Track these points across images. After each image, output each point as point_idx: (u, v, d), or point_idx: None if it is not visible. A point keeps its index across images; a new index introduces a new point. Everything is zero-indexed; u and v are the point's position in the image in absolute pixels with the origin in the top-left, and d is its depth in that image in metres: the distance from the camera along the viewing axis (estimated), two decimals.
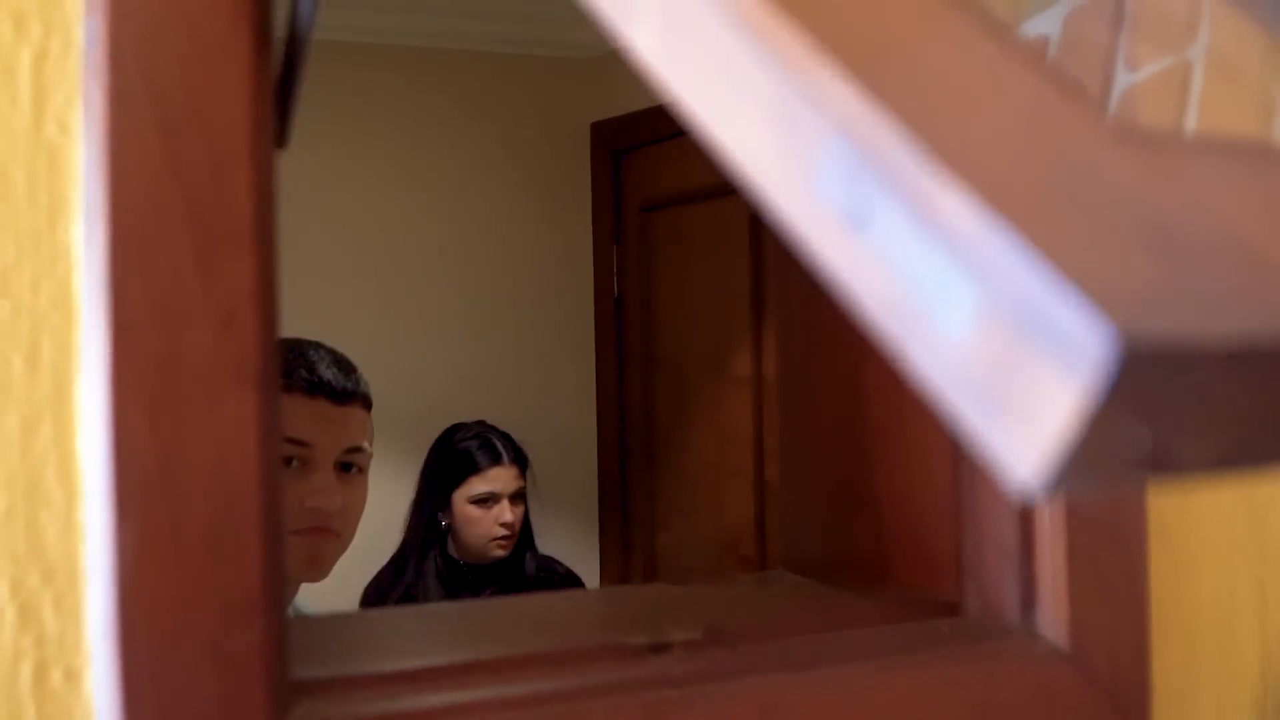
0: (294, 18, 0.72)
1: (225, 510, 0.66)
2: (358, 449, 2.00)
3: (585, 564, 4.54)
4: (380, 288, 4.54)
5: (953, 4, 0.43)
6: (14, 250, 0.66)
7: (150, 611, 0.65)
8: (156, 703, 0.64)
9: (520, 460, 3.53)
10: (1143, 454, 0.34)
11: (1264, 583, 1.05)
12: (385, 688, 0.74)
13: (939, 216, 0.34)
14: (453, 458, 3.50)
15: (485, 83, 4.72)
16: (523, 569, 3.52)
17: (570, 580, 3.64)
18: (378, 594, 3.43)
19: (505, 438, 3.54)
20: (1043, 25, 0.57)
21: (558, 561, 3.67)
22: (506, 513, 3.45)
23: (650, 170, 4.60)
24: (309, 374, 1.93)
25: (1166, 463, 0.35)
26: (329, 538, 1.95)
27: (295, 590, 2.01)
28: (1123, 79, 0.60)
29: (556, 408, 4.75)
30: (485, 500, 3.45)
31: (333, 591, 2.13)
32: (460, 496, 3.46)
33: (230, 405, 0.66)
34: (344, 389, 1.96)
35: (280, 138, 0.72)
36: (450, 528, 3.47)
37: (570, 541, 4.52)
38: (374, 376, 2.06)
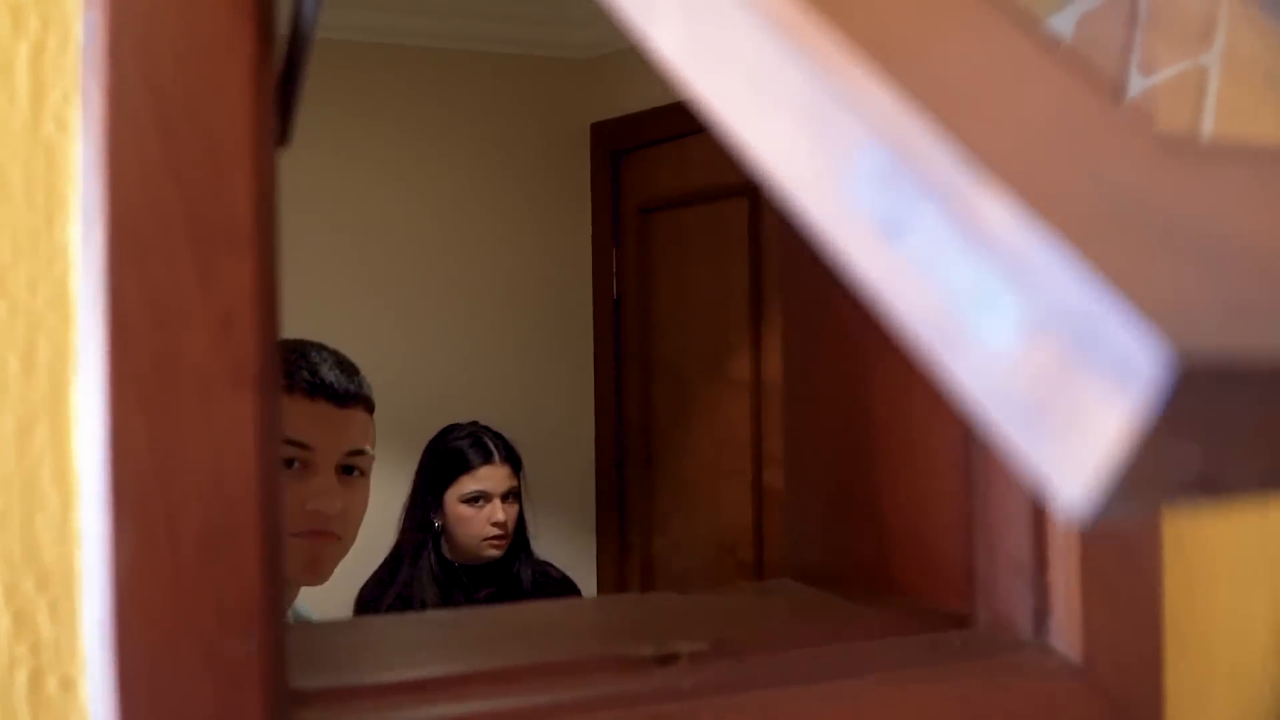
0: (297, 13, 0.71)
1: (223, 515, 0.65)
2: (359, 452, 1.98)
3: (582, 566, 4.53)
4: (379, 289, 4.53)
5: (987, 2, 0.41)
6: (10, 249, 0.65)
7: (147, 618, 0.63)
8: (153, 712, 0.63)
9: (513, 459, 3.52)
10: (1193, 475, 0.32)
11: (1279, 599, 1.03)
12: (386, 698, 0.73)
13: (981, 224, 0.33)
14: (444, 457, 3.50)
15: (485, 83, 4.70)
16: (517, 571, 3.51)
17: (565, 584, 3.63)
18: (372, 595, 3.42)
19: (497, 437, 3.53)
20: (1056, 27, 0.56)
21: (552, 565, 3.66)
22: (498, 512, 3.44)
23: (650, 172, 4.59)
24: (311, 375, 1.92)
25: (1217, 484, 0.33)
26: (329, 541, 1.93)
27: (295, 594, 2.00)
28: (1137, 83, 0.59)
29: (554, 410, 4.74)
30: (477, 499, 3.44)
31: (328, 593, 2.11)
32: (452, 496, 3.45)
33: (229, 408, 0.65)
34: (346, 391, 1.95)
35: (282, 136, 0.71)
36: (444, 528, 3.46)
37: (567, 544, 4.51)
38: (372, 378, 2.04)
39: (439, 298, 4.62)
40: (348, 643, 0.86)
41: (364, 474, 2.00)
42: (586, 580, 4.44)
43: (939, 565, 0.94)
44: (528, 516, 3.58)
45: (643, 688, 0.77)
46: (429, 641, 0.89)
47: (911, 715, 0.81)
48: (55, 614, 0.65)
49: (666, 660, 0.80)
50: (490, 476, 3.46)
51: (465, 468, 3.46)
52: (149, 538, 0.63)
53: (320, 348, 1.99)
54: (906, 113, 0.35)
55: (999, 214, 0.33)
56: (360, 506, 2.00)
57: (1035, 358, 0.32)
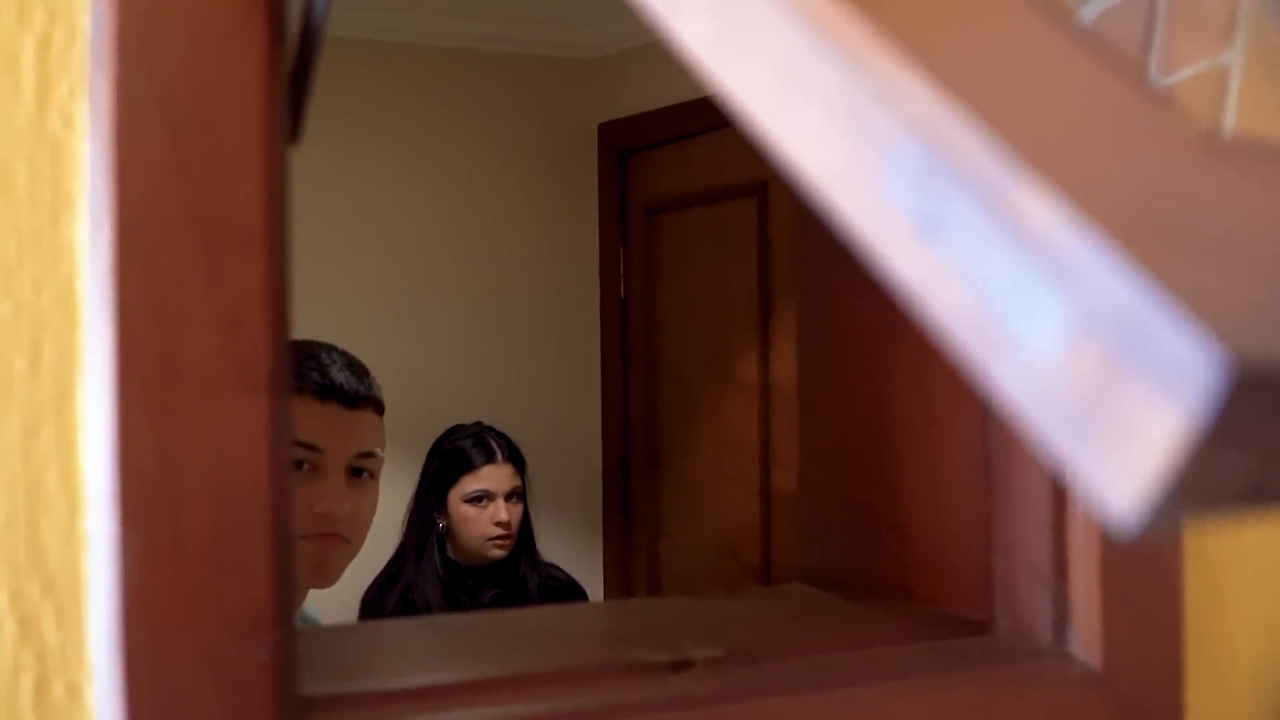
0: (309, 8, 0.70)
1: (231, 519, 0.64)
2: (369, 454, 1.96)
3: (588, 568, 4.52)
4: (384, 290, 4.52)
5: None
6: (15, 249, 0.64)
7: (154, 625, 0.63)
8: (161, 719, 0.62)
9: (516, 459, 3.51)
10: (1246, 484, 0.31)
11: None
12: (397, 705, 0.72)
13: (1023, 222, 0.32)
14: (448, 457, 3.49)
15: (491, 82, 4.70)
16: (522, 572, 3.50)
17: (571, 587, 3.62)
18: (377, 596, 3.41)
19: (501, 437, 3.53)
20: None
21: (558, 568, 3.65)
22: (502, 511, 3.43)
23: (657, 172, 4.59)
24: (321, 377, 1.90)
25: (1266, 493, 0.32)
26: (338, 544, 1.91)
27: (303, 596, 1.98)
28: (1158, 82, 0.58)
29: (561, 411, 4.73)
30: (479, 499, 3.43)
31: (334, 593, 2.10)
32: (455, 496, 3.45)
33: (237, 411, 0.64)
34: (356, 393, 1.93)
35: (293, 133, 0.69)
36: (447, 529, 3.45)
37: (573, 545, 4.50)
38: (379, 379, 2.03)
39: (445, 299, 4.61)
40: (357, 648, 0.85)
41: (373, 476, 1.98)
42: (592, 581, 4.44)
43: (957, 570, 0.93)
44: (532, 517, 3.57)
45: (657, 695, 0.76)
46: (440, 647, 0.88)
47: None
48: (61, 619, 0.64)
49: (680, 667, 0.79)
50: (493, 476, 3.45)
51: (468, 467, 3.45)
52: (156, 543, 0.62)
53: (330, 349, 1.98)
54: (944, 107, 0.33)
55: (1042, 211, 0.31)
56: (369, 509, 1.98)
57: (1080, 361, 0.31)
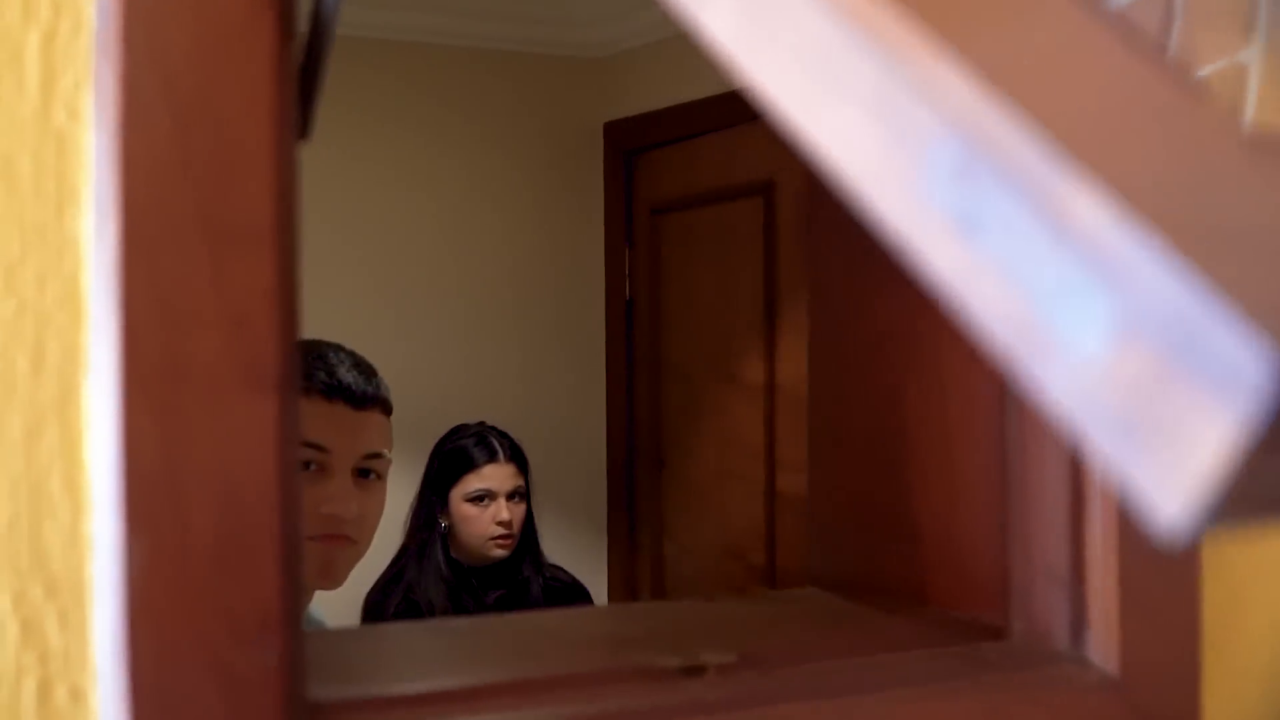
0: (318, 1, 0.69)
1: (239, 522, 0.63)
2: (377, 455, 1.95)
3: (592, 569, 4.52)
4: (389, 289, 4.51)
5: None
6: (19, 244, 0.63)
7: (159, 628, 0.62)
8: None
9: (518, 458, 3.51)
10: None
11: None
12: (405, 710, 0.71)
13: (1068, 220, 0.30)
14: (449, 456, 3.49)
15: (496, 81, 4.69)
16: (526, 573, 3.49)
17: (576, 588, 3.62)
18: (380, 597, 3.41)
19: (503, 436, 3.52)
20: None
21: (562, 569, 3.65)
22: (503, 511, 3.42)
23: (663, 172, 4.58)
24: (328, 377, 1.89)
25: None
26: (344, 545, 1.90)
27: (309, 598, 1.97)
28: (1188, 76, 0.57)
29: (565, 411, 4.73)
30: (481, 498, 3.43)
31: (335, 593, 2.09)
32: (457, 495, 3.45)
33: (244, 411, 0.63)
34: (363, 393, 1.92)
35: (302, 129, 0.68)
36: (449, 528, 3.44)
37: (577, 546, 4.50)
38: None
39: (449, 299, 4.61)
40: (366, 652, 0.85)
41: (380, 477, 1.97)
42: (596, 582, 4.43)
43: (972, 574, 0.92)
44: (536, 517, 3.56)
45: (669, 700, 0.75)
46: (447, 650, 0.87)
47: None
48: (64, 622, 0.64)
49: (693, 672, 0.78)
50: (495, 475, 3.45)
51: (470, 466, 3.45)
52: (161, 545, 0.62)
53: (338, 348, 1.97)
54: (985, 101, 0.32)
55: (1089, 209, 0.30)
56: (376, 510, 1.97)
57: (1128, 363, 0.30)
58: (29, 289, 0.63)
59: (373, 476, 1.95)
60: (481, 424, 3.58)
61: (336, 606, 2.42)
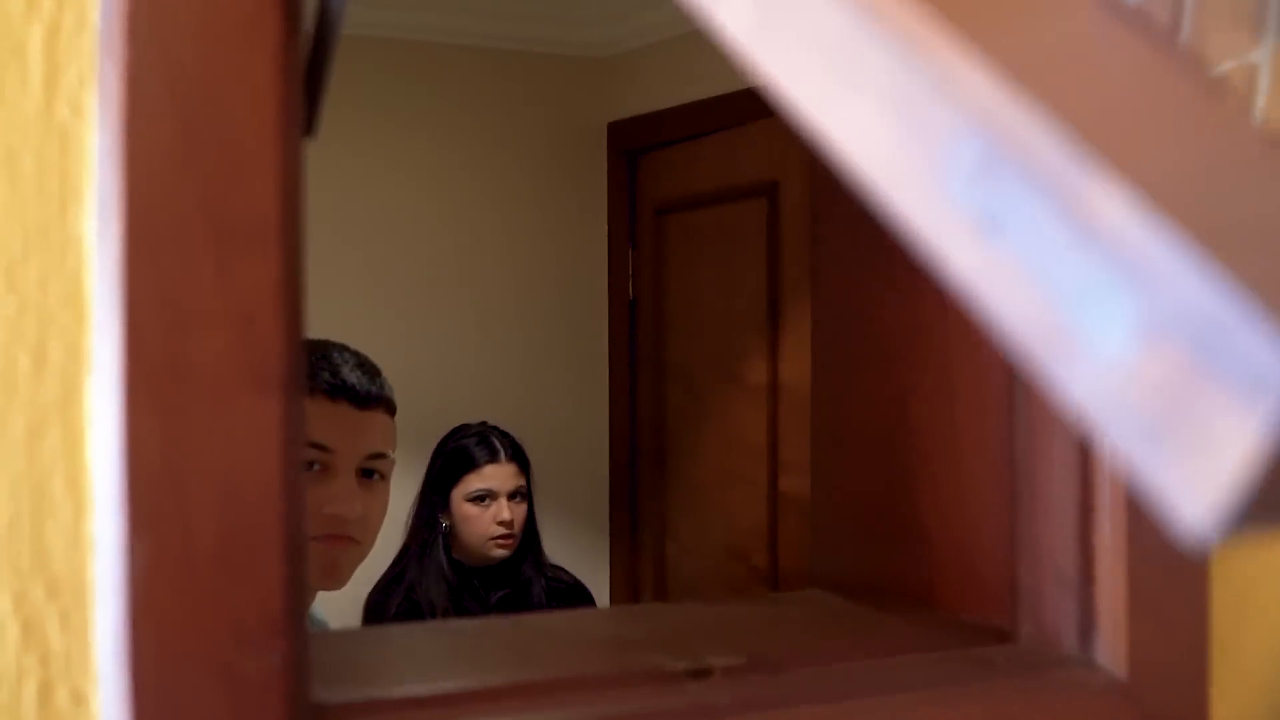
0: None
1: (243, 523, 0.63)
2: (380, 455, 1.95)
3: (594, 569, 4.51)
4: (391, 289, 4.51)
5: None
6: (21, 242, 0.62)
7: (162, 630, 0.61)
8: None
9: (519, 458, 3.50)
10: None
11: None
12: (411, 713, 0.71)
13: (1093, 218, 0.30)
14: (451, 455, 3.49)
15: (500, 81, 4.69)
16: (528, 573, 3.48)
17: (578, 589, 3.62)
18: (381, 597, 3.41)
19: (505, 436, 3.52)
20: None
21: (564, 570, 3.64)
22: (504, 510, 3.42)
23: (666, 172, 4.57)
24: (332, 377, 1.88)
25: None
26: (347, 546, 1.90)
27: (312, 599, 1.96)
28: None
29: (568, 412, 4.72)
30: (482, 498, 3.43)
31: (337, 593, 2.09)
32: (458, 495, 3.44)
33: (249, 411, 0.63)
34: (368, 393, 1.91)
35: (307, 126, 0.68)
36: (450, 528, 3.44)
37: (579, 546, 4.49)
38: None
39: (452, 298, 4.60)
40: (371, 653, 0.84)
41: (384, 477, 1.97)
42: (598, 582, 4.43)
43: (980, 577, 0.91)
44: (538, 517, 3.56)
45: (677, 704, 0.74)
46: (452, 653, 0.86)
47: None
48: (66, 624, 0.63)
49: (700, 675, 0.77)
50: (496, 475, 3.44)
51: (471, 465, 3.44)
52: (164, 546, 0.61)
53: (342, 348, 1.96)
54: (1007, 97, 0.32)
55: (1114, 207, 0.30)
56: (380, 511, 1.96)
57: (1154, 365, 0.29)
58: (31, 287, 0.63)
59: (376, 477, 1.95)
60: (483, 424, 3.57)
61: (338, 607, 2.42)
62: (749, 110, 3.91)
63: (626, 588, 4.70)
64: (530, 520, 3.52)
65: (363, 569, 1.99)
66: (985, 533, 0.91)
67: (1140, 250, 0.29)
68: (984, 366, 0.89)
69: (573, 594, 3.59)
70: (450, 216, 4.60)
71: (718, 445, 4.32)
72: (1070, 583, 0.85)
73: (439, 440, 3.56)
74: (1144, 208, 0.29)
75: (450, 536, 3.44)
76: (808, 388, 1.09)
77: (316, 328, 1.91)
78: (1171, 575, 0.86)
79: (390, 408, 1.96)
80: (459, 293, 4.61)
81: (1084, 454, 0.84)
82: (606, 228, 4.78)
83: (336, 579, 1.89)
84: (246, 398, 0.63)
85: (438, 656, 0.85)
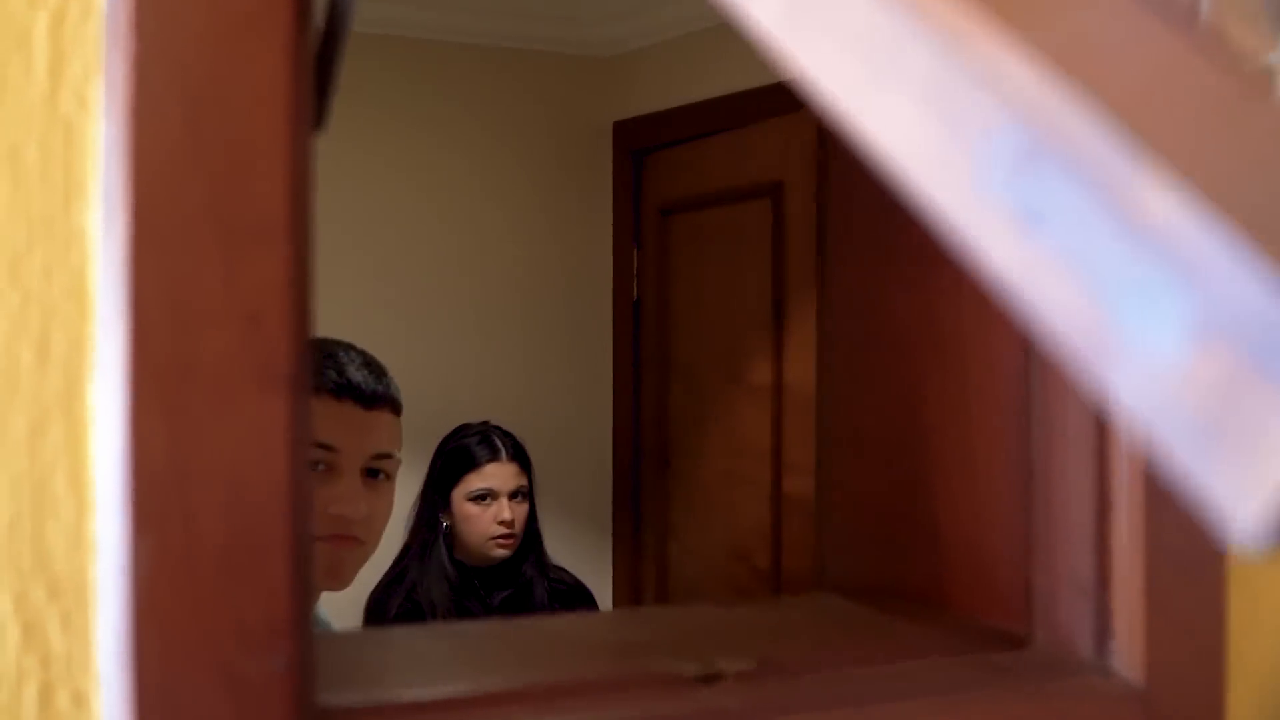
0: None
1: (249, 523, 0.62)
2: (386, 455, 1.93)
3: (597, 570, 4.51)
4: (395, 288, 4.50)
5: None
6: (25, 235, 0.61)
7: (165, 632, 0.60)
8: None
9: (521, 457, 3.50)
10: None
11: None
12: (416, 717, 0.69)
13: (1144, 215, 0.29)
14: (452, 455, 3.49)
15: (505, 80, 4.68)
16: (530, 574, 3.48)
17: (580, 590, 3.61)
18: (383, 596, 3.40)
19: (506, 435, 3.52)
20: None
21: (566, 571, 3.64)
22: (505, 510, 3.42)
23: (672, 172, 4.56)
24: (338, 376, 1.87)
25: None
26: (352, 546, 1.89)
27: (316, 599, 1.95)
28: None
29: (571, 412, 4.72)
30: (483, 497, 3.43)
31: (341, 593, 2.08)
32: (459, 494, 3.44)
33: (256, 410, 0.62)
34: (373, 393, 1.90)
35: (318, 119, 0.67)
36: (451, 528, 3.43)
37: (582, 546, 4.49)
38: None
39: (455, 298, 4.60)
40: (375, 656, 0.83)
41: (389, 478, 1.95)
42: (600, 583, 4.42)
43: (994, 581, 0.90)
44: (540, 518, 3.55)
45: (688, 708, 0.73)
46: (458, 656, 0.85)
47: None
48: (67, 625, 0.62)
49: (711, 679, 0.76)
50: (497, 474, 3.44)
51: (471, 465, 3.44)
52: (168, 546, 0.60)
53: (349, 347, 1.95)
54: (1051, 88, 0.30)
55: (1165, 203, 0.28)
56: (385, 511, 1.95)
57: (1206, 366, 0.28)
58: (35, 280, 0.62)
59: (381, 477, 1.94)
60: (485, 423, 3.57)
61: (339, 607, 2.41)
62: (754, 110, 3.91)
63: (629, 588, 4.70)
64: (532, 520, 3.51)
65: (364, 568, 1.99)
66: (999, 535, 0.90)
67: (1192, 247, 0.28)
68: (998, 363, 0.88)
69: (575, 595, 3.58)
70: (454, 215, 4.60)
71: (721, 446, 4.31)
72: (1086, 587, 0.84)
73: (441, 439, 3.55)
74: (1196, 203, 0.28)
75: (451, 536, 3.44)
76: (812, 389, 1.09)
77: (319, 326, 1.90)
78: (1189, 580, 0.85)
79: (396, 407, 1.95)
80: (462, 292, 4.60)
81: (1101, 455, 0.83)
82: (611, 227, 4.78)
83: (341, 579, 1.89)
84: (253, 396, 0.62)
85: (442, 660, 0.84)
